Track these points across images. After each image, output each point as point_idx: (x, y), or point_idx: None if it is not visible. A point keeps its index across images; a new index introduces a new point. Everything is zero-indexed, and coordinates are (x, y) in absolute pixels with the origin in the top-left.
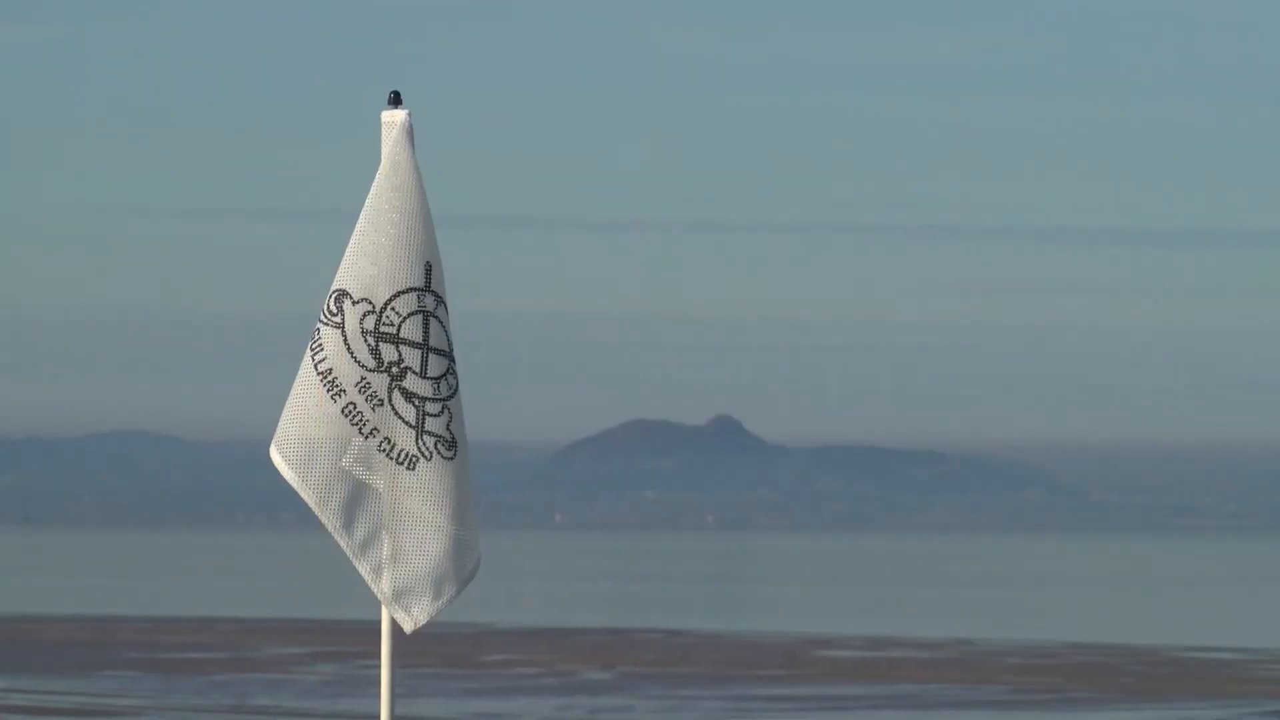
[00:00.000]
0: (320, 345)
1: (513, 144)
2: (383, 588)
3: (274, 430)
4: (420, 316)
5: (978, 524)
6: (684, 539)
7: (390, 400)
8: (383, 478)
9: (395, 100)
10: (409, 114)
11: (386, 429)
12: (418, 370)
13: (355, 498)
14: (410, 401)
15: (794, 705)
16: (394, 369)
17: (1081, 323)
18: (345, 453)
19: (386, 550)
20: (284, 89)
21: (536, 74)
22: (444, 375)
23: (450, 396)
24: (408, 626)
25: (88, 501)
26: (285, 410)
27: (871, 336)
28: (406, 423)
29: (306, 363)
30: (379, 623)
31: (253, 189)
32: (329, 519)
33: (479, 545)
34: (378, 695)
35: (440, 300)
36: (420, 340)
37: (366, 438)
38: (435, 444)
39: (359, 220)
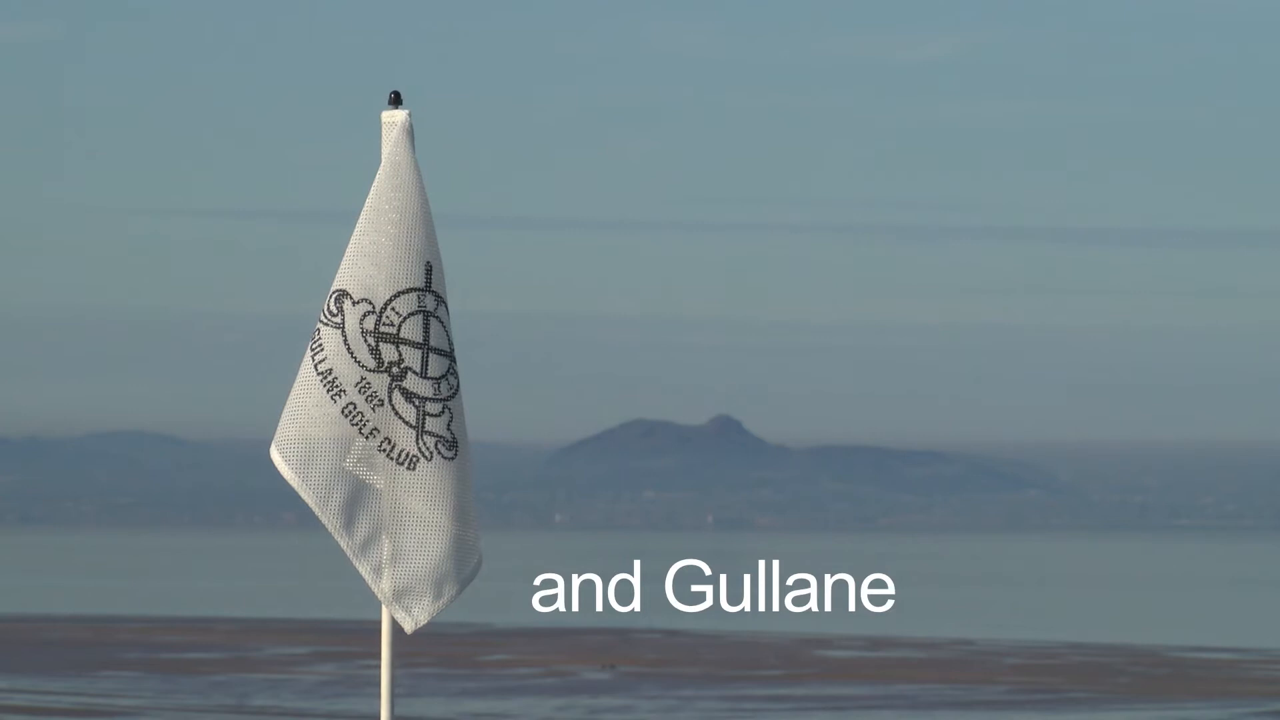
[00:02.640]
0: (320, 345)
1: (513, 144)
2: (383, 588)
3: (274, 430)
4: (420, 316)
5: (978, 524)
6: (684, 539)
7: (390, 400)
8: (383, 478)
9: (395, 100)
10: (409, 114)
11: (387, 429)
12: (418, 370)
13: (355, 498)
14: (410, 401)
15: (793, 705)
16: (394, 369)
17: (1081, 323)
18: (346, 453)
19: (387, 550)
20: (284, 89)
21: (536, 74)
22: (444, 375)
23: (451, 396)
24: (408, 626)
25: (88, 501)
26: (285, 410)
27: (871, 336)
28: (407, 423)
29: (306, 363)
30: (379, 623)
31: (253, 189)
32: (329, 519)
33: (480, 545)
34: (378, 695)
35: (440, 300)
36: (420, 340)
37: (367, 438)
38: (436, 444)
39: (359, 220)
